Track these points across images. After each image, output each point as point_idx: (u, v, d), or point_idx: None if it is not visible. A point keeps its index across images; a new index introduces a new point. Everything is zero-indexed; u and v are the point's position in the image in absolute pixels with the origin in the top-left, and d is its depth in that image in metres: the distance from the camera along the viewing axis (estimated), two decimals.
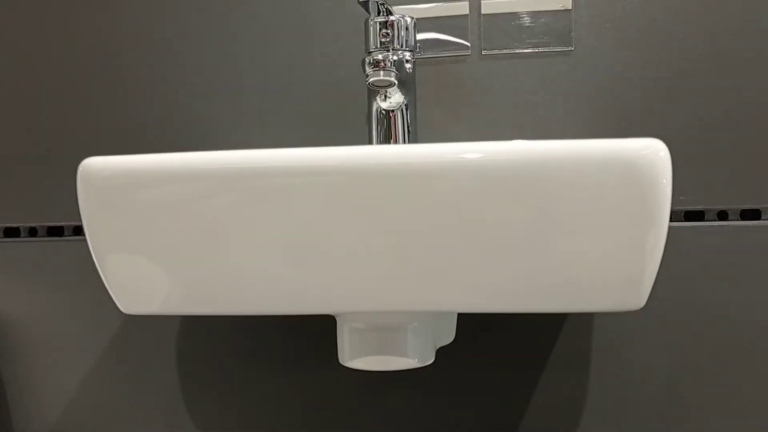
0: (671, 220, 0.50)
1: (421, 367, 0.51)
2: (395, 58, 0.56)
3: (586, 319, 0.49)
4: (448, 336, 0.41)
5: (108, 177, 0.31)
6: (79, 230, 0.59)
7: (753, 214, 0.51)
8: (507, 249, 0.31)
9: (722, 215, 0.52)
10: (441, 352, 0.51)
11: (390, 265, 0.32)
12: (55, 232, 0.58)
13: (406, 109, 0.57)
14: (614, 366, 0.49)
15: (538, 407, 0.49)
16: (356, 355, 0.38)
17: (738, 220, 0.51)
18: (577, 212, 0.31)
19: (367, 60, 0.56)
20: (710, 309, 0.49)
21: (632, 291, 0.32)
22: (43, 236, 0.59)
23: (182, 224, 0.32)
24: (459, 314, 0.48)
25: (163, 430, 0.52)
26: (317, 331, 0.52)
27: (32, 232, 0.58)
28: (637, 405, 0.49)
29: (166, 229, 0.33)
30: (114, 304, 0.55)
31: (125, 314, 0.55)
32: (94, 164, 0.32)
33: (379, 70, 0.55)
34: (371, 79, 0.55)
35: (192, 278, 0.33)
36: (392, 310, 0.32)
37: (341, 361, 0.39)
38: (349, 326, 0.38)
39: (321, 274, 0.32)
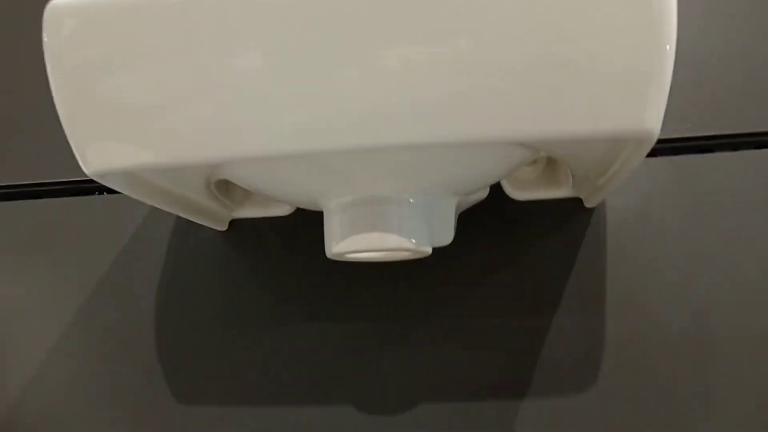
0: (684, 152, 0.47)
1: (418, 322, 0.46)
2: None
3: (598, 254, 0.46)
4: (445, 233, 0.37)
5: (74, 14, 0.30)
6: (37, 192, 0.54)
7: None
8: (499, 52, 0.29)
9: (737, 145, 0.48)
10: (440, 299, 0.46)
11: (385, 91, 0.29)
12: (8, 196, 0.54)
13: None
14: (632, 309, 0.45)
15: (549, 359, 0.44)
16: (345, 235, 0.34)
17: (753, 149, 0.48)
18: (575, 11, 0.29)
19: None
20: (739, 237, 0.45)
21: (636, 108, 0.29)
22: None
23: (156, 58, 0.30)
24: (456, 248, 0.45)
25: (135, 405, 0.47)
26: (303, 289, 0.48)
27: None
28: (661, 351, 0.44)
29: (137, 66, 0.30)
30: (80, 270, 0.51)
31: (94, 280, 0.50)
32: (59, 5, 0.30)
33: None
34: None
35: (167, 121, 0.30)
36: (384, 143, 0.29)
37: (329, 253, 0.35)
38: (336, 203, 0.35)
39: (317, 103, 0.29)
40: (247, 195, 0.48)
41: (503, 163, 0.34)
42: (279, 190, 0.36)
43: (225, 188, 0.46)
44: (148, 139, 0.30)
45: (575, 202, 0.47)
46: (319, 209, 0.37)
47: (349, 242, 0.34)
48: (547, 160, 0.46)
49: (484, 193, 0.42)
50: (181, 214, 0.43)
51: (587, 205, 0.46)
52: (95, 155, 0.31)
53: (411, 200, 0.35)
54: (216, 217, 0.47)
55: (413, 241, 0.34)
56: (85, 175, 0.31)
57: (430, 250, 0.36)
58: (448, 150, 0.31)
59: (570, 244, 0.46)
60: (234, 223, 0.50)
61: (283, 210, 0.48)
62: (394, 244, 0.34)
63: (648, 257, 0.46)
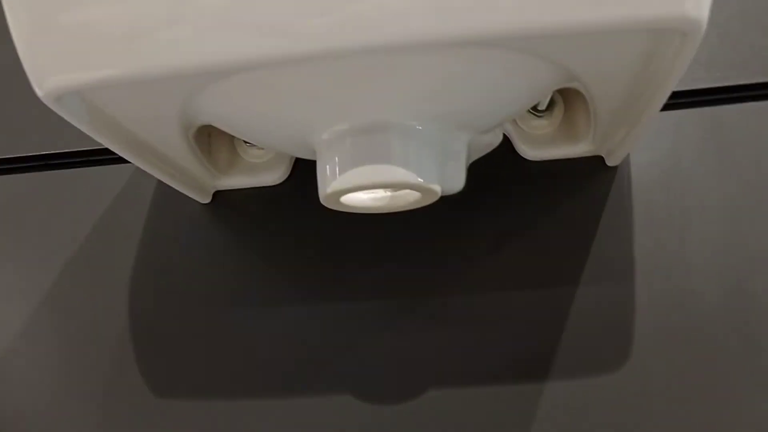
0: (716, 102, 0.43)
1: (426, 298, 0.41)
2: None
3: (623, 217, 0.41)
4: (455, 175, 0.33)
5: None
6: (7, 169, 0.50)
7: None
8: None
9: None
10: (448, 273, 0.41)
11: None
12: None
13: None
14: (663, 275, 0.40)
15: (575, 334, 0.39)
16: (342, 170, 0.30)
17: None
18: None
19: None
20: None
21: None
22: None
23: None
24: (472, 218, 0.40)
25: (107, 394, 0.41)
26: (293, 266, 0.43)
27: None
28: (699, 319, 0.39)
29: None
30: (50, 249, 0.46)
31: (64, 259, 0.45)
32: None
33: None
34: None
35: (131, 26, 0.26)
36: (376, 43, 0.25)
37: (322, 197, 0.31)
38: (330, 133, 0.30)
39: None
40: (233, 160, 0.44)
41: (518, 85, 0.30)
42: (264, 124, 0.31)
43: (207, 150, 0.41)
44: (108, 49, 0.26)
45: (596, 161, 0.42)
46: (310, 154, 0.32)
47: (345, 178, 0.29)
48: (565, 111, 0.41)
49: (496, 138, 0.37)
50: (158, 175, 0.38)
51: (609, 163, 0.42)
52: (50, 72, 0.27)
53: (419, 127, 0.30)
54: (198, 184, 0.43)
55: (421, 176, 0.30)
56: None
57: (439, 191, 0.31)
58: (456, 59, 0.27)
59: (593, 206, 0.42)
60: (218, 195, 0.45)
61: (272, 177, 0.44)
62: (399, 178, 0.29)
63: (679, 217, 0.41)
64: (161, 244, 0.45)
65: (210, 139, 0.41)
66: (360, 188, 0.30)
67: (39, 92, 0.27)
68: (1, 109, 0.50)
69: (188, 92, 0.29)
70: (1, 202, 0.47)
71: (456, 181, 0.33)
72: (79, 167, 0.47)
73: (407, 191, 0.33)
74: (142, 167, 0.37)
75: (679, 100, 0.42)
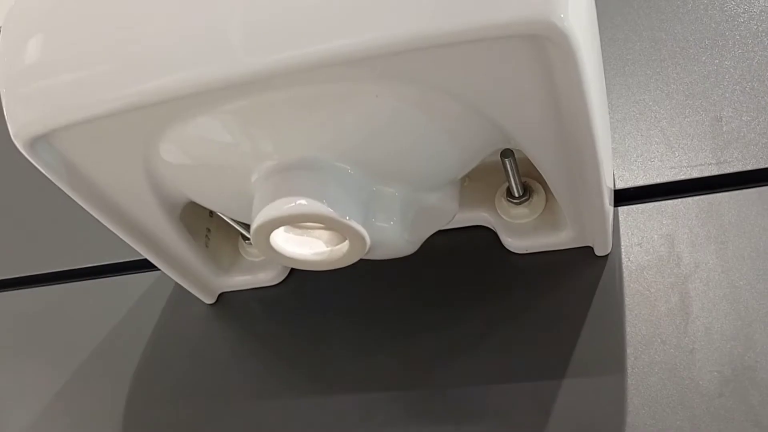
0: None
1: (408, 392, 0.39)
2: None
3: (614, 307, 0.37)
4: (388, 232, 0.33)
5: None
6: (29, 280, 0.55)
7: None
8: None
9: None
10: (432, 368, 0.39)
11: None
12: None
13: None
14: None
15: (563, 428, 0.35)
16: (264, 204, 0.31)
17: None
18: None
19: None
20: None
21: None
22: None
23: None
24: None
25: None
26: (287, 362, 0.42)
27: None
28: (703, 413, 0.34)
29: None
30: (67, 355, 0.49)
31: (78, 362, 0.48)
32: None
33: None
34: None
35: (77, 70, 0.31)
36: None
37: (252, 236, 0.32)
38: (259, 172, 0.32)
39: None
40: (235, 260, 0.46)
41: (434, 129, 0.31)
42: (209, 176, 0.34)
43: (205, 245, 0.44)
44: (63, 94, 0.31)
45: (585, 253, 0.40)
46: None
47: (264, 213, 0.31)
48: (547, 201, 0.41)
49: (447, 205, 0.37)
50: (158, 263, 0.42)
51: (598, 252, 0.40)
52: (20, 118, 0.32)
53: (349, 171, 0.32)
54: (201, 283, 0.45)
55: (340, 212, 0.30)
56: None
57: (362, 232, 0.31)
58: (356, 92, 0.29)
59: (582, 297, 0.39)
60: (223, 297, 0.47)
61: (269, 276, 0.45)
62: (316, 210, 0.30)
63: (675, 306, 0.37)
64: (167, 346, 0.47)
65: (209, 235, 0.45)
66: (278, 221, 0.31)
67: (13, 137, 0.32)
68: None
69: (143, 141, 0.33)
70: (25, 314, 0.53)
71: (389, 237, 0.33)
72: (104, 277, 0.52)
73: (340, 247, 0.33)
74: (134, 245, 0.40)
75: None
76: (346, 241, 0.33)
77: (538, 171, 0.40)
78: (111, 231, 0.39)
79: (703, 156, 0.41)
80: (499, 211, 0.41)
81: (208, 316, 0.47)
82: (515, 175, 0.38)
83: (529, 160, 0.34)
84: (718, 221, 0.39)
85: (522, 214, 0.41)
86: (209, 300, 0.47)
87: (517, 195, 0.40)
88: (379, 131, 0.31)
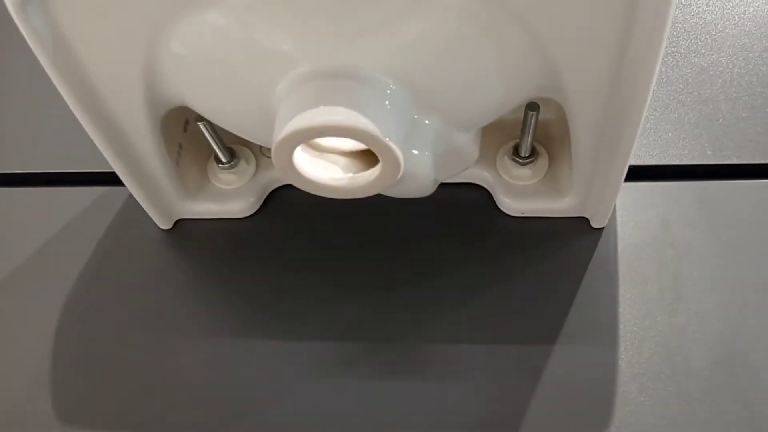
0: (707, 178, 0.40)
1: (384, 345, 0.37)
2: None
3: (608, 279, 0.37)
4: (419, 165, 0.30)
5: None
6: None
7: None
8: None
9: None
10: (416, 323, 0.37)
11: None
12: None
13: None
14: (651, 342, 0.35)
15: (552, 397, 0.34)
16: (287, 119, 0.28)
17: None
18: None
19: None
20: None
21: None
22: None
23: None
24: None
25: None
26: (244, 302, 0.39)
27: None
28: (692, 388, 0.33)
29: None
30: None
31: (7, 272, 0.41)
32: None
33: None
34: None
35: None
36: None
37: (273, 147, 0.29)
38: (291, 76, 0.29)
39: None
40: (202, 185, 0.42)
41: (493, 63, 0.29)
42: (226, 79, 0.30)
43: (176, 163, 0.40)
44: None
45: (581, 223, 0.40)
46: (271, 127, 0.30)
47: (297, 121, 0.27)
48: (549, 167, 0.40)
49: (470, 152, 0.35)
50: (118, 168, 0.37)
51: (594, 224, 0.39)
52: None
53: (391, 86, 0.29)
54: (162, 202, 0.41)
55: (381, 130, 0.27)
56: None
57: (399, 157, 0.28)
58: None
59: (576, 267, 0.38)
60: (179, 224, 0.43)
61: (240, 206, 0.41)
62: (357, 124, 0.27)
63: (668, 285, 0.37)
64: (112, 268, 0.42)
65: (180, 152, 0.40)
66: (310, 132, 0.27)
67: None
68: None
69: (154, 23, 0.28)
70: None
71: (421, 168, 0.31)
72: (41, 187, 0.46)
73: (368, 173, 0.31)
74: (102, 148, 0.35)
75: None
76: (371, 169, 0.30)
77: (544, 135, 0.39)
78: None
79: (701, 147, 0.42)
80: (500, 171, 0.40)
81: (163, 243, 0.42)
82: (532, 132, 0.37)
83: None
84: (712, 209, 0.39)
85: (524, 175, 0.39)
86: (165, 225, 0.42)
87: (524, 154, 0.39)
88: (436, 49, 0.28)
